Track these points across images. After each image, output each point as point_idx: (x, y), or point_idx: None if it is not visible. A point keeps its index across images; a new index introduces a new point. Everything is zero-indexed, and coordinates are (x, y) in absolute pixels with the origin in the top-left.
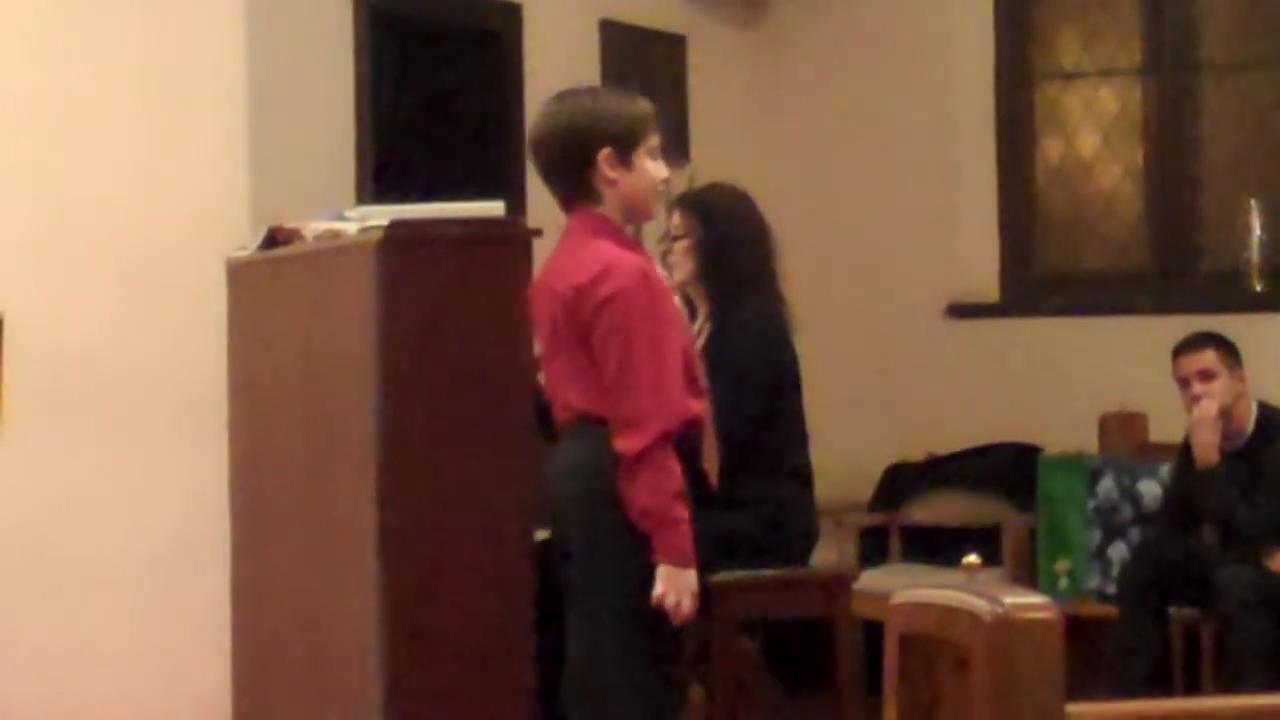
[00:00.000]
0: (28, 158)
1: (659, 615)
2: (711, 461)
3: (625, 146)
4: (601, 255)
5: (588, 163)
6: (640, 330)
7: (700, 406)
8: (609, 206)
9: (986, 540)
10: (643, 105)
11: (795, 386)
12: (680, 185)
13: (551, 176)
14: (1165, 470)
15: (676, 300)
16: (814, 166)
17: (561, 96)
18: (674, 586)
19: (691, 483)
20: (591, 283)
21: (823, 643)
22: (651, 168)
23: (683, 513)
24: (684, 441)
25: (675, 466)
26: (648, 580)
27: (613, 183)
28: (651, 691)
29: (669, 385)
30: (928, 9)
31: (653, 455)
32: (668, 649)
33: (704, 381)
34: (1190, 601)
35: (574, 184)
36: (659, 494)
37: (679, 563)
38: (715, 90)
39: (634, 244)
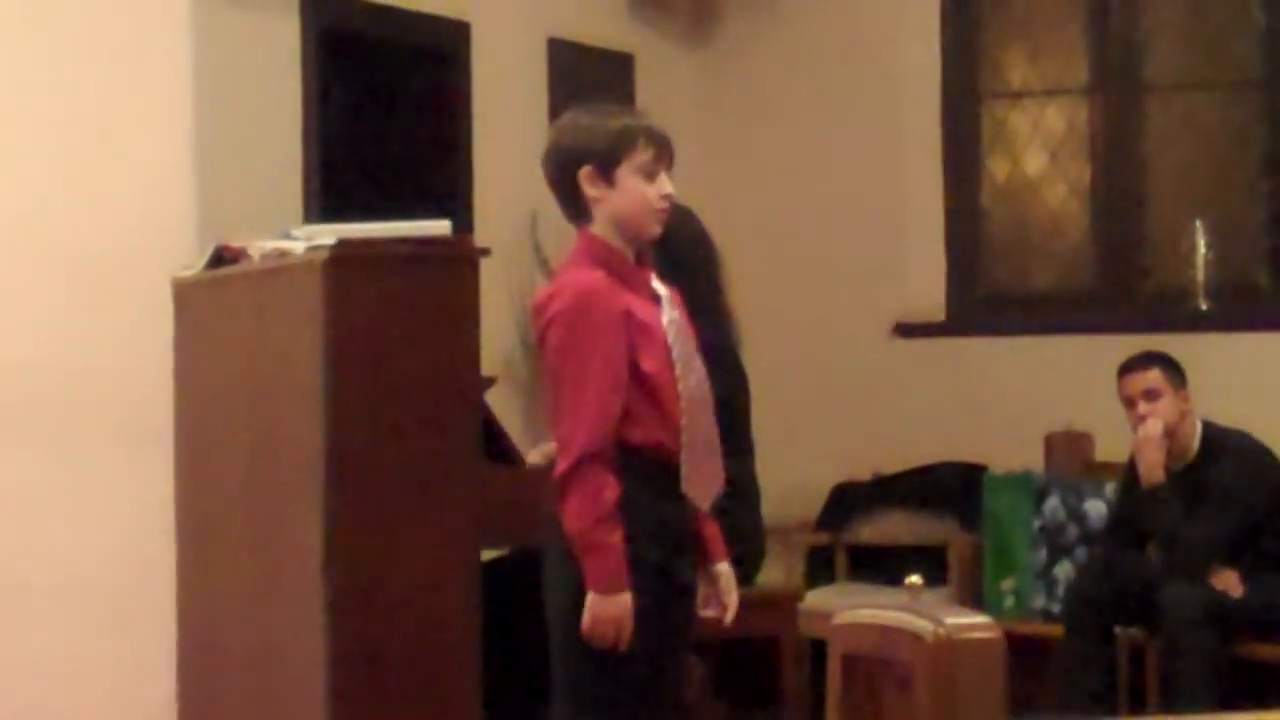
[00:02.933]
0: None
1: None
2: (701, 482)
3: (607, 163)
4: (561, 277)
5: (573, 181)
6: (567, 354)
7: (665, 432)
8: (600, 225)
9: (933, 559)
10: (627, 120)
11: (745, 406)
12: None
13: (554, 195)
14: (1111, 489)
15: (664, 319)
16: (761, 185)
17: (565, 114)
18: (600, 615)
19: (668, 507)
20: (541, 306)
21: (769, 662)
22: (637, 185)
23: (607, 537)
24: (651, 465)
25: (601, 491)
26: (575, 602)
27: (598, 201)
28: None
29: (588, 409)
30: (875, 28)
31: (574, 479)
32: (633, 686)
33: (685, 403)
34: (1136, 620)
35: (567, 203)
36: (581, 518)
37: (603, 589)
38: (663, 109)
39: (621, 264)
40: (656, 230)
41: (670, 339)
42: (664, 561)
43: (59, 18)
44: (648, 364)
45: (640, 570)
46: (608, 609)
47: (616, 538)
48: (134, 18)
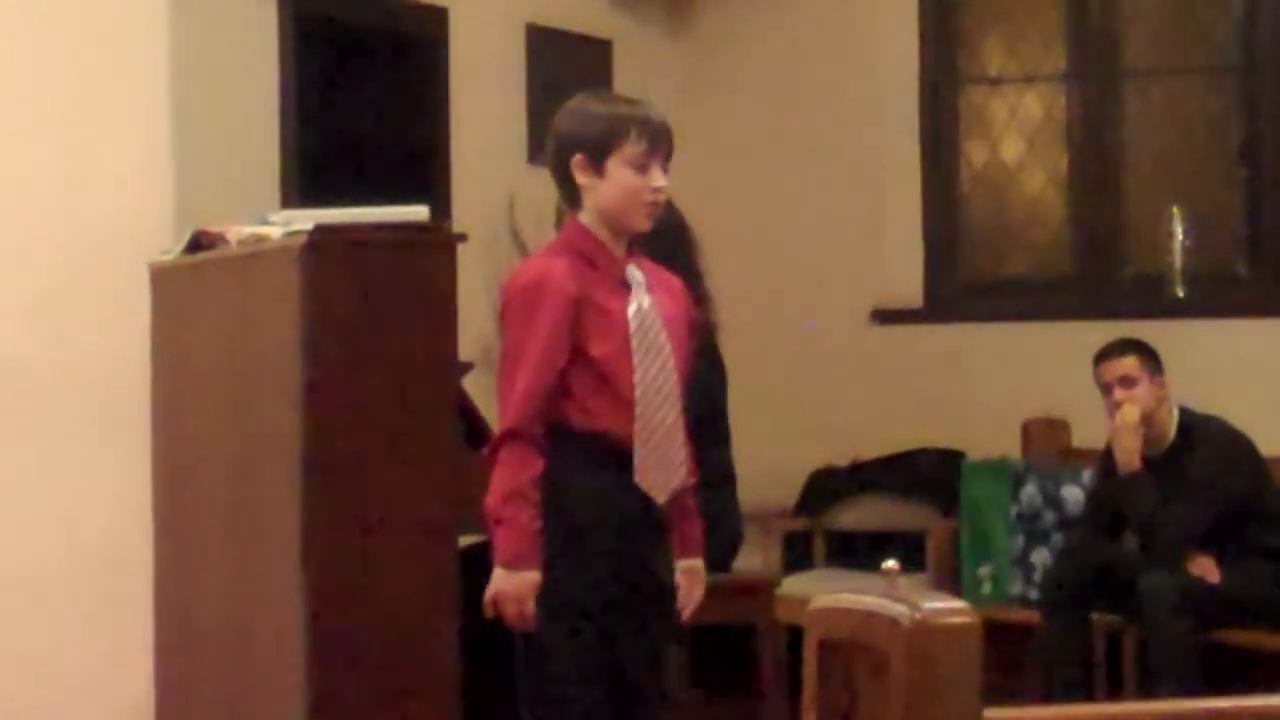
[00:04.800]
0: None
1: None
2: (656, 474)
3: (598, 153)
4: (525, 261)
5: (567, 168)
6: (510, 336)
7: (616, 419)
8: (588, 213)
9: (911, 545)
10: (623, 109)
11: (722, 393)
12: None
13: (553, 180)
14: (1088, 476)
15: (631, 307)
16: (739, 171)
17: (573, 98)
18: (501, 590)
19: (619, 493)
20: (502, 289)
21: (747, 648)
22: (626, 176)
23: (516, 514)
24: (600, 451)
25: (519, 469)
26: (551, 594)
27: (587, 190)
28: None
29: (518, 390)
30: (853, 15)
31: (496, 456)
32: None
33: (640, 392)
34: (1113, 607)
35: (562, 189)
36: (493, 493)
37: (506, 564)
38: (641, 95)
39: (594, 251)
40: (644, 224)
41: (633, 327)
42: (616, 545)
43: (36, 4)
44: (597, 350)
45: (591, 553)
46: (508, 585)
47: (525, 515)
48: (111, 3)
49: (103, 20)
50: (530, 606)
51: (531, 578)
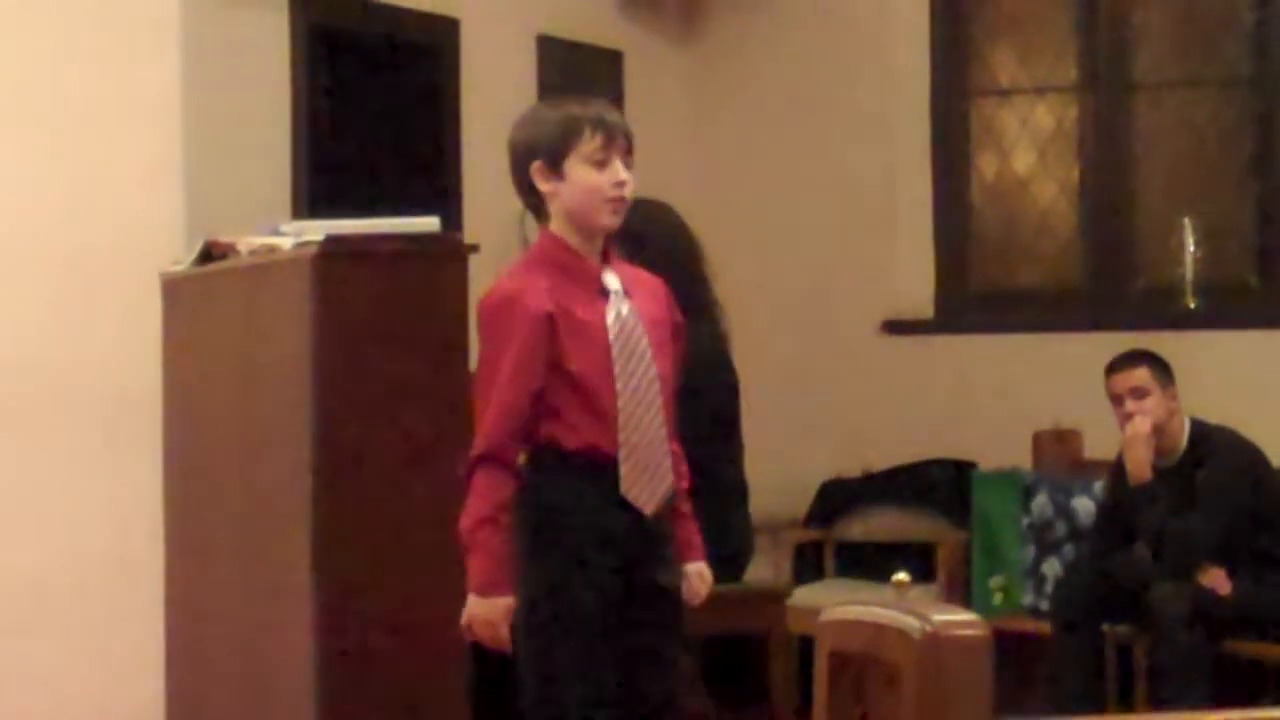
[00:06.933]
0: None
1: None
2: (644, 485)
3: (554, 156)
4: (497, 279)
5: (528, 178)
6: (483, 357)
7: (601, 434)
8: (557, 221)
9: (922, 556)
10: (573, 109)
11: (733, 402)
12: None
13: (518, 196)
14: (1099, 487)
15: (609, 316)
16: (750, 182)
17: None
18: (474, 615)
19: (611, 511)
20: (478, 309)
21: (758, 659)
22: (586, 175)
23: (488, 539)
24: (589, 469)
25: (491, 493)
26: (548, 609)
27: (551, 196)
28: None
29: (490, 412)
30: (864, 26)
31: (470, 479)
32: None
33: (624, 402)
34: (1124, 618)
35: (528, 201)
36: (466, 518)
37: (477, 590)
38: (652, 106)
39: (568, 261)
40: (611, 221)
41: (612, 336)
42: (609, 558)
43: (48, 14)
44: (575, 364)
45: (585, 567)
46: (481, 610)
47: (496, 540)
48: (123, 13)
49: (115, 31)
50: (504, 631)
51: (504, 603)
